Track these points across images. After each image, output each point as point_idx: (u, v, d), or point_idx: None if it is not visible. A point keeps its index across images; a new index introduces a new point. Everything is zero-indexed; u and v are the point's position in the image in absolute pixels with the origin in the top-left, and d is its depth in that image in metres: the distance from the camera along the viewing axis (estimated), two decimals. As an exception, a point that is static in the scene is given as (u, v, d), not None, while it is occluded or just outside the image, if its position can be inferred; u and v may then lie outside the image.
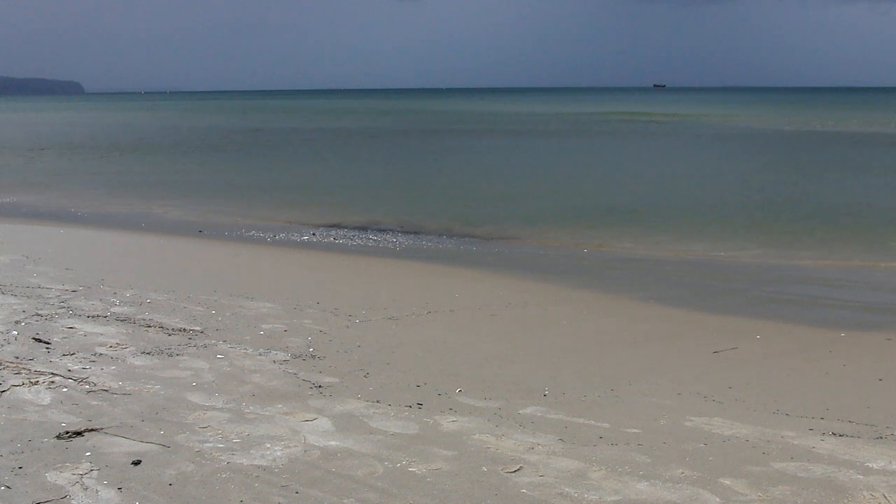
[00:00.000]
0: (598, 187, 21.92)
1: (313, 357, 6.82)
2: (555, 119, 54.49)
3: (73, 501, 4.06)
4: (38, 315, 7.64)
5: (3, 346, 6.59)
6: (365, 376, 6.34)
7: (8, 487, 4.17)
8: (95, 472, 4.37)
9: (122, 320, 7.69)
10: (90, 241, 13.57)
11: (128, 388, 5.77)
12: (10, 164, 30.60)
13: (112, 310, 8.07)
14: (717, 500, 4.25)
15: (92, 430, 4.94)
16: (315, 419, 5.31)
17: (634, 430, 5.27)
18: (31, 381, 5.74)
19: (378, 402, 5.73)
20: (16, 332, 6.99)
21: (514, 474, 4.52)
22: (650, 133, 43.63)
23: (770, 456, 4.85)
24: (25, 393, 5.52)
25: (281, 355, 6.81)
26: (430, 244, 14.39)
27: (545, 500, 4.22)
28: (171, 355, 6.65)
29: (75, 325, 7.37)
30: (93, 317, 7.74)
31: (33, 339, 6.84)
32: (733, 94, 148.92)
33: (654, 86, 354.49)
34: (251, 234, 15.31)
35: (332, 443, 4.91)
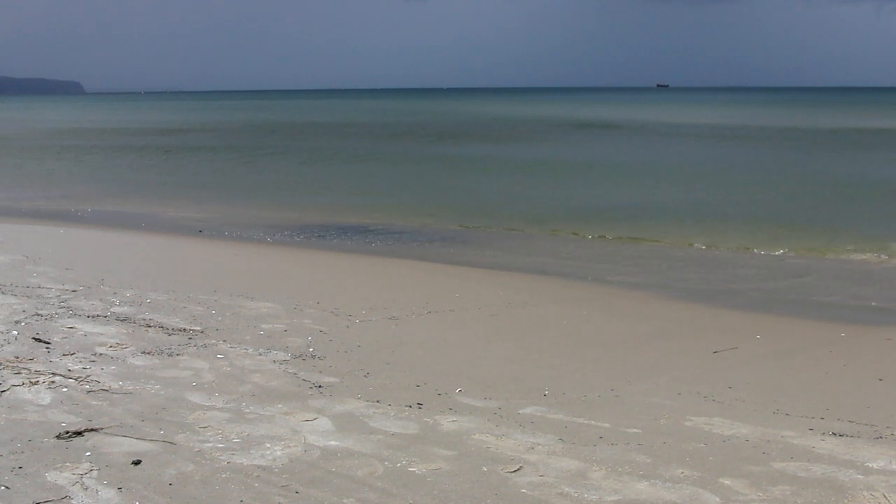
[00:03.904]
0: (597, 189, 21.92)
1: (313, 357, 6.82)
2: (551, 126, 54.39)
3: (73, 501, 4.06)
4: (38, 315, 7.63)
5: (3, 346, 6.59)
6: (365, 376, 6.34)
7: (8, 487, 4.17)
8: (95, 472, 4.37)
9: (122, 320, 7.69)
10: (90, 241, 13.56)
11: (128, 388, 5.77)
12: (18, 164, 30.63)
13: (112, 310, 8.07)
14: (717, 500, 4.25)
15: (92, 430, 4.94)
16: (315, 419, 5.31)
17: (634, 430, 5.26)
18: (31, 381, 5.73)
19: (378, 402, 5.73)
20: (16, 332, 6.98)
21: (514, 474, 4.52)
22: (650, 137, 43.61)
23: (770, 456, 4.85)
24: (25, 393, 5.52)
25: (281, 355, 6.81)
26: (430, 244, 14.39)
27: (545, 500, 4.22)
28: (171, 355, 6.65)
29: (75, 325, 7.37)
30: (93, 317, 7.74)
31: (33, 339, 6.83)
32: (737, 95, 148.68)
33: (658, 86, 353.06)
34: (251, 234, 15.31)
35: (332, 443, 4.91)
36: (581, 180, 23.72)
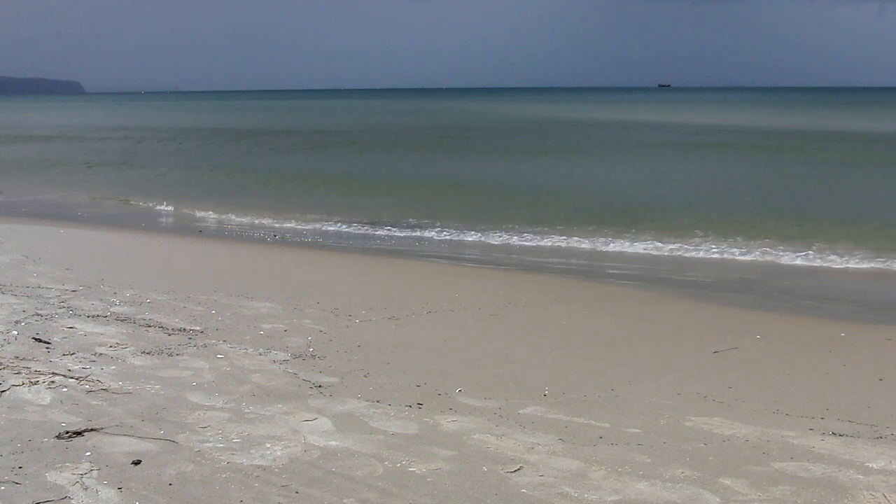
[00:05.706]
0: (597, 189, 21.91)
1: (313, 357, 6.82)
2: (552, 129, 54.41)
3: (73, 501, 4.06)
4: (38, 315, 7.63)
5: (3, 346, 6.59)
6: (365, 376, 6.34)
7: (8, 487, 4.17)
8: (95, 472, 4.37)
9: (122, 320, 7.69)
10: (90, 241, 13.57)
11: (128, 388, 5.77)
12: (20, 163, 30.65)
13: (112, 310, 8.07)
14: (717, 500, 4.25)
15: (92, 429, 4.94)
16: (315, 419, 5.31)
17: (634, 430, 5.26)
18: (31, 381, 5.73)
19: (378, 402, 5.73)
20: (16, 332, 6.99)
21: (514, 474, 4.52)
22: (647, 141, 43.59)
23: (770, 456, 4.85)
24: (25, 393, 5.52)
25: (281, 355, 6.81)
26: (429, 243, 14.40)
27: (545, 500, 4.22)
28: (171, 355, 6.65)
29: (75, 325, 7.37)
30: (93, 317, 7.74)
31: (33, 339, 6.84)
32: (738, 94, 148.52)
33: (659, 85, 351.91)
34: (251, 234, 15.31)
35: (333, 443, 4.91)
36: (577, 184, 23.72)
